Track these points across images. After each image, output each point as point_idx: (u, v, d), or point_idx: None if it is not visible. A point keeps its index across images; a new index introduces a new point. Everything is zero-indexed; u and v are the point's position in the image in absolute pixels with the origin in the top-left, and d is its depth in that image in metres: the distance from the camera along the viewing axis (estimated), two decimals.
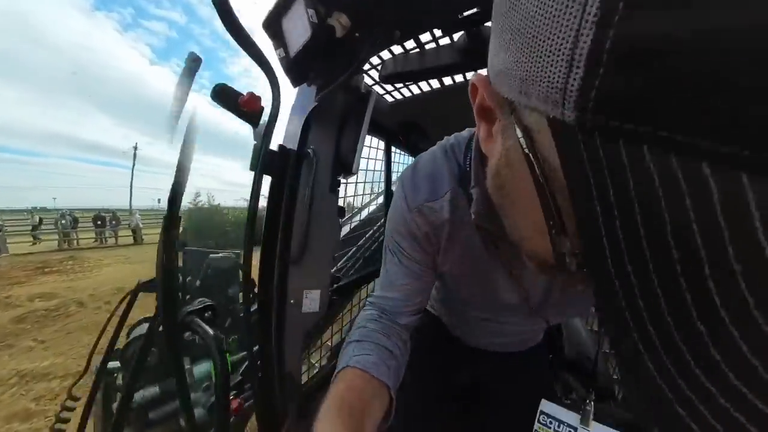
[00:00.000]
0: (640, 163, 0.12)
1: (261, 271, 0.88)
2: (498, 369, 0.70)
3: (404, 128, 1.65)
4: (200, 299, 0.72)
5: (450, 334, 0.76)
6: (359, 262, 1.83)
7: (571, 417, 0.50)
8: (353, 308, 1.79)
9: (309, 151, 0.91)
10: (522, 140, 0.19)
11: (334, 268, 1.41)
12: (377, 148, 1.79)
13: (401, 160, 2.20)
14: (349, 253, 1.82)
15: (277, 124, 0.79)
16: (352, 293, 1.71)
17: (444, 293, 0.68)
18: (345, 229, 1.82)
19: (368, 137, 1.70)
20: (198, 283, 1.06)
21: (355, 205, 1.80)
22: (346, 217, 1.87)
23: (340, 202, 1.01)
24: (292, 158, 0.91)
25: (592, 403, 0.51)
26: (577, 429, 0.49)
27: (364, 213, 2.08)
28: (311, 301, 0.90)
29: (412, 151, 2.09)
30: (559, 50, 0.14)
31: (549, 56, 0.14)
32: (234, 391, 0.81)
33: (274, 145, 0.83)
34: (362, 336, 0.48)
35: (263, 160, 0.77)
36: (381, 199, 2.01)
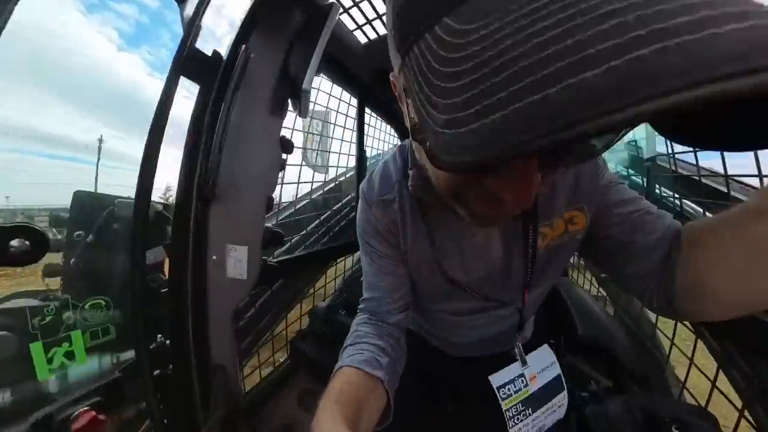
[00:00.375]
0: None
1: (177, 209, 0.59)
2: (481, 377, 0.59)
3: (380, 78, 1.39)
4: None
5: (430, 345, 0.68)
6: (329, 235, 1.55)
7: (515, 369, 0.51)
8: (330, 283, 1.50)
9: (246, 55, 0.63)
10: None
11: (275, 222, 1.10)
12: (349, 103, 1.52)
13: (376, 125, 1.95)
14: (320, 220, 1.53)
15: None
16: (316, 271, 1.43)
17: (415, 297, 0.61)
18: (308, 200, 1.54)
19: (341, 99, 1.45)
20: (91, 238, 0.72)
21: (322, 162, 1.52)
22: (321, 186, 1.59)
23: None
24: (224, 62, 0.63)
25: (519, 344, 0.54)
26: (523, 374, 0.51)
27: (333, 177, 1.80)
28: (236, 261, 0.61)
29: (388, 115, 1.83)
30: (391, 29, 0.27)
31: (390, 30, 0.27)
32: (96, 399, 0.51)
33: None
34: (355, 339, 0.50)
35: (183, 55, 0.52)
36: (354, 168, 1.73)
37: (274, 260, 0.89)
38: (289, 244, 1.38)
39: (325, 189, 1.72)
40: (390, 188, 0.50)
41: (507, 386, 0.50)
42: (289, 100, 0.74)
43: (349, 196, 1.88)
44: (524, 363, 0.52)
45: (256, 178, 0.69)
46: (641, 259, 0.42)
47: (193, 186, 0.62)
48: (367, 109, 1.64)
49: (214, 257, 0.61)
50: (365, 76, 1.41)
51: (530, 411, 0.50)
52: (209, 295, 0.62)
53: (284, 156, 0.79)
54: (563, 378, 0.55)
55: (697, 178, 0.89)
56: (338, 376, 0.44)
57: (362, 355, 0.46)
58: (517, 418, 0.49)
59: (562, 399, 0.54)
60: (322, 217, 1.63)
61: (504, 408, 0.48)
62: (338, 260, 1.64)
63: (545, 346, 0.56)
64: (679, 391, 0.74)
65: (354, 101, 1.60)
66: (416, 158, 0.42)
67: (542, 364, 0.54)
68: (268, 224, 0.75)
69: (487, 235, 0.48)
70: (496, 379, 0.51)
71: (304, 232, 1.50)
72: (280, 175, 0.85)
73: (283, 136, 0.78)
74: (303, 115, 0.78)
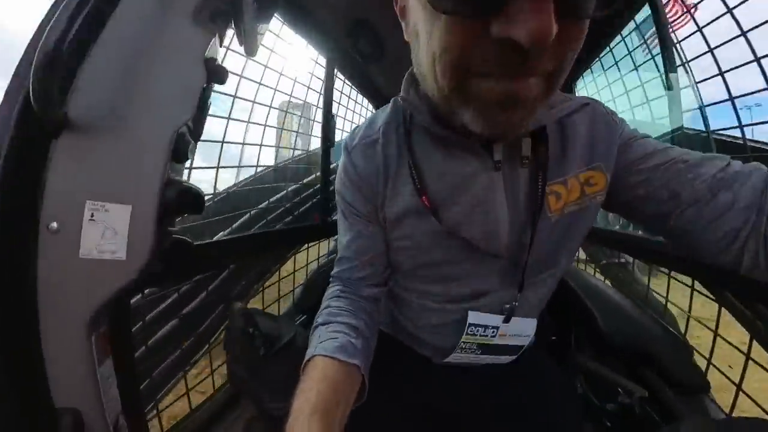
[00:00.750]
0: None
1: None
2: (478, 390, 0.56)
3: (353, 29, 1.14)
4: None
5: (411, 352, 0.58)
6: (289, 216, 1.28)
7: (494, 320, 0.49)
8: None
9: None
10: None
11: (235, 186, 0.85)
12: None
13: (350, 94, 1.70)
14: (278, 196, 1.26)
15: None
16: (268, 261, 1.16)
17: (395, 286, 0.55)
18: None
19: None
20: None
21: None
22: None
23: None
24: None
25: (514, 303, 0.48)
26: (498, 327, 0.49)
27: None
28: (105, 230, 0.35)
29: (362, 84, 1.59)
30: None
31: None
32: None
33: None
34: (328, 317, 0.48)
35: None
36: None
37: (202, 242, 0.62)
38: (241, 221, 1.10)
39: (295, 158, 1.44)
40: (374, 131, 0.48)
41: (477, 328, 0.49)
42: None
43: (314, 176, 1.61)
44: (507, 320, 0.49)
45: (157, 104, 0.42)
46: (704, 212, 0.36)
47: (28, 108, 0.35)
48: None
49: (54, 224, 0.34)
50: (338, 27, 1.16)
51: (479, 352, 0.51)
52: (43, 292, 0.35)
53: (213, 85, 0.53)
54: (523, 350, 0.53)
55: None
56: (312, 369, 0.41)
57: (336, 341, 0.43)
58: (463, 350, 0.50)
59: (506, 359, 0.54)
60: (285, 191, 1.34)
61: (460, 339, 0.48)
62: (302, 247, 1.38)
63: (533, 319, 0.51)
64: (732, 400, 0.59)
65: (322, 60, 1.34)
66: (409, 91, 0.44)
67: (520, 330, 0.51)
68: (184, 180, 0.48)
69: (488, 187, 0.42)
70: (474, 316, 0.48)
71: (264, 205, 1.21)
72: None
73: (213, 59, 0.52)
74: (250, 52, 0.55)
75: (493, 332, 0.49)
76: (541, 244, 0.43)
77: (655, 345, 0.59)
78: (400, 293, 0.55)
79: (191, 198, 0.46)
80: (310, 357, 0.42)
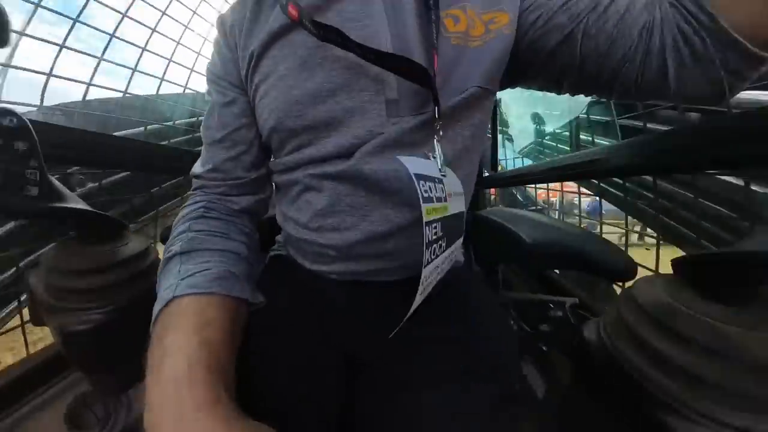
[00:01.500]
0: None
1: None
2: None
3: None
4: None
5: (302, 267, 0.46)
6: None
7: (431, 166, 0.34)
8: None
9: None
10: None
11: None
12: None
13: None
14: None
15: None
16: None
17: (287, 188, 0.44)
18: None
19: None
20: None
21: None
22: None
23: None
24: None
25: (436, 143, 0.36)
26: (441, 180, 0.34)
27: None
28: None
29: None
30: None
31: None
32: None
33: None
34: (190, 245, 0.35)
35: None
36: None
37: None
38: None
39: None
40: None
41: (427, 183, 0.31)
42: None
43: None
44: (441, 168, 0.35)
45: None
46: (609, 16, 0.33)
47: None
48: None
49: None
50: None
51: (444, 244, 0.33)
52: None
53: None
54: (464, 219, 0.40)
55: None
56: (178, 316, 0.30)
57: (209, 272, 0.33)
58: (434, 251, 0.31)
59: (459, 245, 0.39)
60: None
61: (425, 219, 0.29)
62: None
63: (459, 182, 0.39)
64: None
65: None
66: None
67: (454, 186, 0.37)
68: None
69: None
70: (412, 164, 0.30)
71: None
72: None
73: None
74: None
75: (441, 190, 0.34)
76: (443, 66, 0.36)
77: (577, 241, 0.60)
78: (296, 185, 0.42)
79: None
80: (169, 300, 0.30)
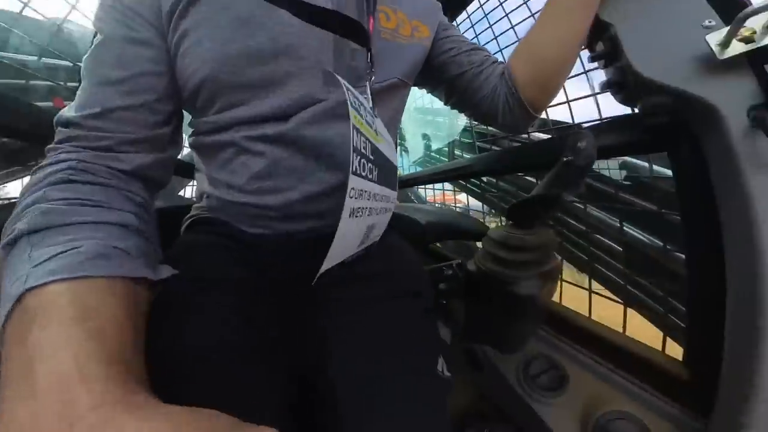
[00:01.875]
0: None
1: None
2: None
3: None
4: None
5: (237, 236, 0.42)
6: None
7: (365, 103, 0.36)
8: None
9: None
10: None
11: None
12: None
13: None
14: None
15: None
16: None
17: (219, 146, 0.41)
18: None
19: None
20: None
21: None
22: None
23: None
24: None
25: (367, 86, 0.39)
26: (371, 113, 0.36)
27: None
28: None
29: None
30: None
31: None
32: None
33: None
34: (42, 219, 0.24)
35: None
36: None
37: None
38: None
39: None
40: None
41: (355, 102, 0.29)
42: None
43: None
44: (372, 104, 0.37)
45: None
46: (482, 76, 0.53)
47: None
48: None
49: None
50: None
51: (374, 176, 0.30)
52: None
53: None
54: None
55: None
56: (48, 308, 0.21)
57: (80, 249, 0.23)
58: (363, 165, 0.27)
59: (394, 198, 0.39)
60: None
61: (352, 121, 0.26)
62: None
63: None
64: None
65: None
66: None
67: (385, 137, 0.37)
68: None
69: None
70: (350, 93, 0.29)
71: None
72: None
73: None
74: None
75: (371, 118, 0.33)
76: (374, 54, 0.38)
77: (454, 218, 0.93)
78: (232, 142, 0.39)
79: None
80: (20, 294, 0.21)
